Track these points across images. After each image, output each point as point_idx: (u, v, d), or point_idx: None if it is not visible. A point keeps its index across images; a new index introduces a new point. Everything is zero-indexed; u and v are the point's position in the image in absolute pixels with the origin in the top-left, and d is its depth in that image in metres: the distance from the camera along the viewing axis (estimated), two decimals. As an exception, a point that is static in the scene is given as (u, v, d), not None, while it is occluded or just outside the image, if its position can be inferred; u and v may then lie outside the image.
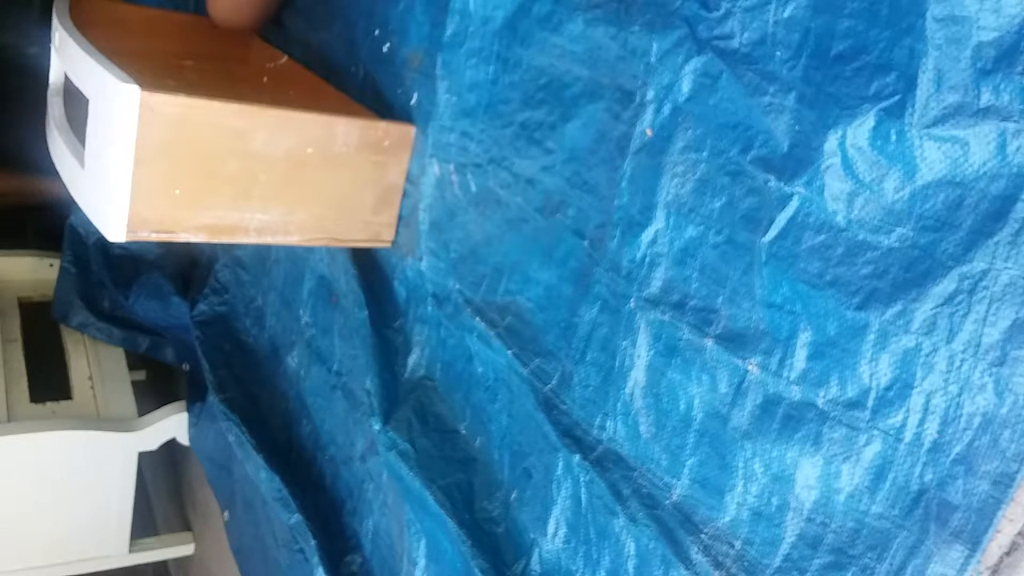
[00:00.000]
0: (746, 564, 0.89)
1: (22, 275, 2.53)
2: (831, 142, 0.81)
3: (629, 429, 1.03)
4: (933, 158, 0.74)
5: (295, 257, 1.75)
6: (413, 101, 1.38)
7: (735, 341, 0.91)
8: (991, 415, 0.71)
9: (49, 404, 2.11)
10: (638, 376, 1.02)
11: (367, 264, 1.53)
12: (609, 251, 1.05)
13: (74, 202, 1.31)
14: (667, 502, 0.98)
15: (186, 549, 2.45)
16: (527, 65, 1.16)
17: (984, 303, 0.72)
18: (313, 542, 1.55)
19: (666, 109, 0.97)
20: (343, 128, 1.30)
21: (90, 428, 2.01)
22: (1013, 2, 0.68)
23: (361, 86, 1.53)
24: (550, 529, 1.13)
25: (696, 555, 0.94)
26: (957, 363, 0.73)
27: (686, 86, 0.95)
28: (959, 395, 0.73)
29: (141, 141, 1.11)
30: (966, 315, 0.73)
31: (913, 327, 0.76)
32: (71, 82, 1.29)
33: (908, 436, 0.77)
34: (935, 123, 0.74)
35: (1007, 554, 0.71)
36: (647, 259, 1.00)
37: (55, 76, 1.45)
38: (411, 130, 1.38)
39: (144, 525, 2.51)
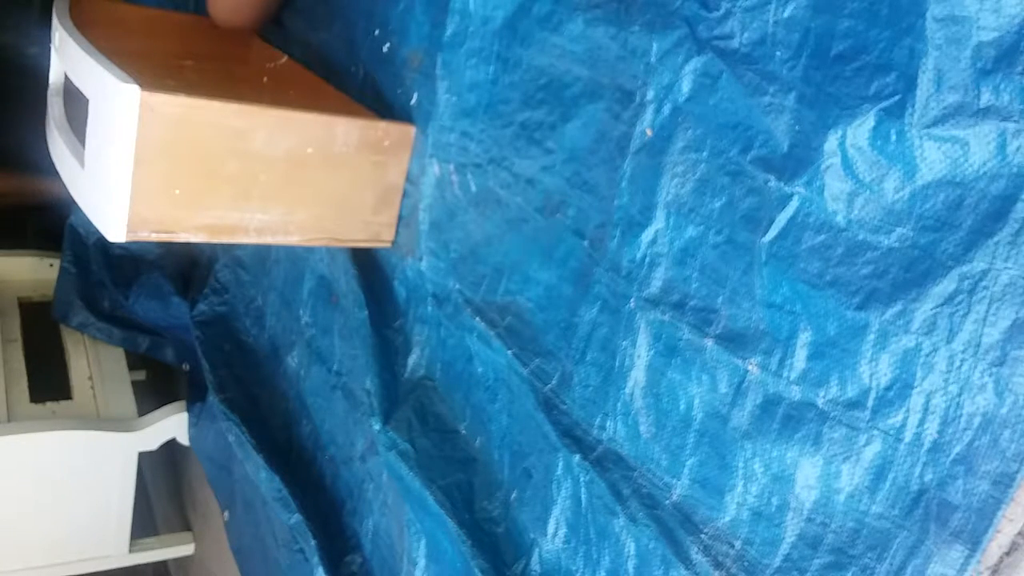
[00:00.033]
0: (746, 564, 0.89)
1: (22, 275, 2.53)
2: (831, 142, 0.81)
3: (629, 429, 1.03)
4: (933, 158, 0.74)
5: (295, 257, 1.75)
6: (413, 101, 1.38)
7: (735, 341, 0.91)
8: (991, 415, 0.71)
9: (49, 404, 2.11)
10: (638, 376, 1.02)
11: (367, 264, 1.53)
12: (609, 251, 1.05)
13: (74, 202, 1.31)
14: (667, 502, 0.98)
15: (186, 549, 2.45)
16: (527, 65, 1.16)
17: (984, 303, 0.72)
18: (313, 542, 1.55)
19: (666, 109, 0.97)
20: (343, 128, 1.30)
21: (90, 428, 2.01)
22: (1013, 2, 0.68)
23: (361, 86, 1.53)
24: (550, 529, 1.13)
25: (696, 555, 0.94)
26: (957, 363, 0.73)
27: (686, 86, 0.95)
28: (959, 395, 0.73)
29: (141, 141, 1.11)
30: (966, 315, 0.73)
31: (913, 327, 0.76)
32: (71, 82, 1.29)
33: (908, 436, 0.77)
34: (935, 123, 0.74)
35: (1007, 554, 0.71)
36: (647, 259, 1.00)
37: (55, 76, 1.45)
38: (411, 130, 1.38)
39: (144, 525, 2.51)
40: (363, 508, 1.54)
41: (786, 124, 0.85)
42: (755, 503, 0.89)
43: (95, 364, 2.27)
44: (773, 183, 0.86)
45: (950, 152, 0.73)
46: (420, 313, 1.41)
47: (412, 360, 1.42)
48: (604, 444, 1.07)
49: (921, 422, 0.76)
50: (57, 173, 1.33)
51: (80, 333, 2.32)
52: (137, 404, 2.19)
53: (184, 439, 2.17)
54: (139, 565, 2.40)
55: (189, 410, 2.15)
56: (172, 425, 2.14)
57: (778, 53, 0.85)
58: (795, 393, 0.85)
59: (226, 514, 2.03)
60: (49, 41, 1.42)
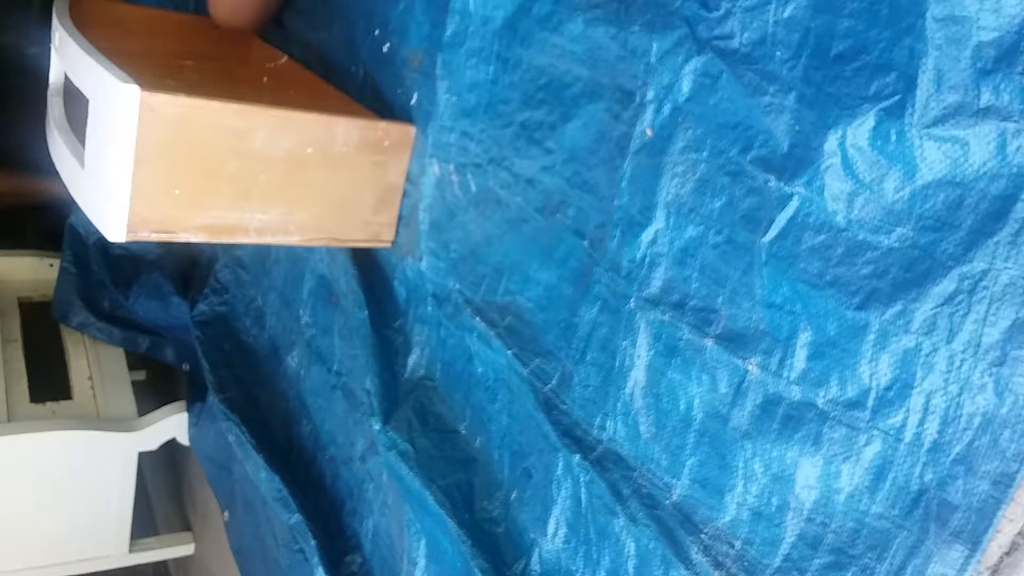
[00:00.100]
0: (746, 564, 0.89)
1: (22, 275, 2.53)
2: (831, 142, 0.81)
3: (629, 429, 1.03)
4: (933, 158, 0.74)
5: (295, 257, 1.75)
6: (413, 101, 1.38)
7: (735, 341, 0.91)
8: (991, 415, 0.71)
9: (49, 404, 2.11)
10: (638, 376, 1.02)
11: (367, 264, 1.53)
12: (609, 251, 1.05)
13: (74, 202, 1.31)
14: (667, 502, 0.98)
15: (186, 549, 2.45)
16: (527, 65, 1.16)
17: (984, 303, 0.72)
18: (313, 542, 1.55)
19: (666, 109, 0.97)
20: (343, 128, 1.30)
21: (90, 428, 2.01)
22: (1013, 2, 0.68)
23: (361, 86, 1.53)
24: (550, 529, 1.13)
25: (696, 555, 0.94)
26: (957, 363, 0.73)
27: (686, 86, 0.95)
28: (959, 395, 0.73)
29: (141, 141, 1.11)
30: (966, 315, 0.73)
31: (913, 327, 0.76)
32: (71, 82, 1.29)
33: (908, 436, 0.77)
34: (935, 123, 0.74)
35: (1007, 554, 0.71)
36: (647, 259, 1.00)
37: (55, 76, 1.45)
38: (411, 130, 1.38)
39: (144, 525, 2.51)
40: (363, 508, 1.54)
41: (786, 124, 0.85)
42: (755, 503, 0.89)
43: (95, 364, 2.27)
44: (773, 183, 0.86)
45: (950, 152, 0.73)
46: (420, 313, 1.41)
47: (412, 360, 1.42)
48: (604, 444, 1.07)
49: (921, 422, 0.76)
50: (57, 173, 1.33)
51: (80, 333, 2.32)
52: (137, 404, 2.19)
53: (184, 439, 2.17)
54: (139, 565, 2.40)
55: (189, 410, 2.15)
56: (172, 425, 2.14)
57: (778, 53, 0.85)
58: (795, 393, 0.85)
59: (226, 514, 2.03)
60: (49, 41, 1.42)
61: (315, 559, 1.54)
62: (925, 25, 0.73)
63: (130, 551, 2.27)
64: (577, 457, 1.08)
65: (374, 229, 1.42)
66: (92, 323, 2.29)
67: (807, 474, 0.84)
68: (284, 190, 1.28)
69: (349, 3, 1.56)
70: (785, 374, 0.86)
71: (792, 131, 0.85)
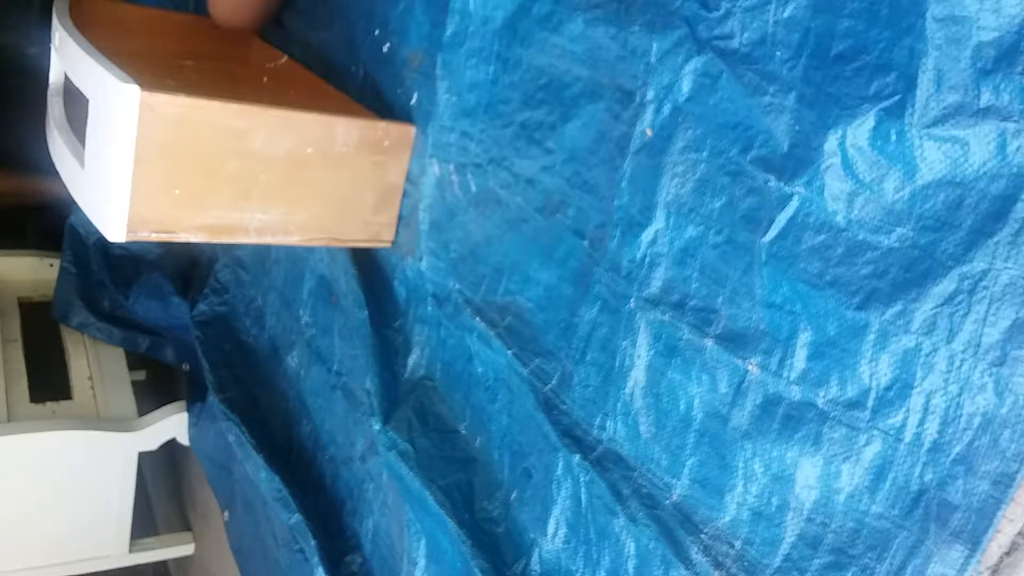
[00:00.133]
0: (746, 564, 0.89)
1: (22, 275, 2.53)
2: (831, 142, 0.81)
3: (629, 429, 1.03)
4: (933, 158, 0.74)
5: (295, 257, 1.75)
6: (413, 101, 1.38)
7: (735, 341, 0.91)
8: (991, 415, 0.71)
9: (49, 404, 2.11)
10: (638, 376, 1.02)
11: (367, 264, 1.53)
12: (609, 251, 1.05)
13: (74, 202, 1.31)
14: (667, 502, 0.98)
15: (186, 549, 2.45)
16: (527, 65, 1.16)
17: (984, 303, 0.72)
18: (313, 542, 1.55)
19: (666, 109, 0.97)
20: (343, 128, 1.30)
21: (90, 428, 2.01)
22: (1013, 2, 0.68)
23: (361, 86, 1.53)
24: (550, 529, 1.13)
25: (696, 555, 0.94)
26: (957, 363, 0.73)
27: (686, 86, 0.95)
28: (959, 395, 0.73)
29: (141, 141, 1.11)
30: (966, 315, 0.73)
31: (913, 327, 0.76)
32: (71, 82, 1.29)
33: (908, 436, 0.77)
34: (935, 123, 0.74)
35: (1007, 554, 0.71)
36: (647, 259, 1.00)
37: (55, 76, 1.45)
38: (411, 130, 1.38)
39: (144, 525, 2.51)
40: (363, 508, 1.54)
41: (786, 124, 0.85)
42: (755, 503, 0.89)
43: (95, 364, 2.27)
44: (773, 183, 0.86)
45: (950, 152, 0.73)
46: (420, 313, 1.41)
47: (412, 360, 1.42)
48: (604, 444, 1.07)
49: (921, 422, 0.76)
50: (57, 173, 1.33)
51: (80, 333, 2.32)
52: (137, 404, 2.19)
53: (184, 439, 2.17)
54: (139, 565, 2.40)
55: (189, 410, 2.15)
56: (172, 425, 2.14)
57: (778, 53, 0.85)
58: (795, 393, 0.85)
59: (226, 514, 2.03)
60: (49, 41, 1.42)
61: (315, 559, 1.54)
62: (925, 25, 0.73)
63: (130, 551, 2.27)
64: (577, 457, 1.08)
65: (374, 229, 1.42)
66: (92, 323, 2.29)
67: (807, 474, 0.84)
68: (284, 190, 1.28)
69: (349, 3, 1.56)
70: (785, 374, 0.86)
71: (792, 131, 0.85)
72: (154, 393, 2.45)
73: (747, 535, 0.89)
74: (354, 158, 1.33)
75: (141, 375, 2.63)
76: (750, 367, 0.89)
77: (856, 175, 0.80)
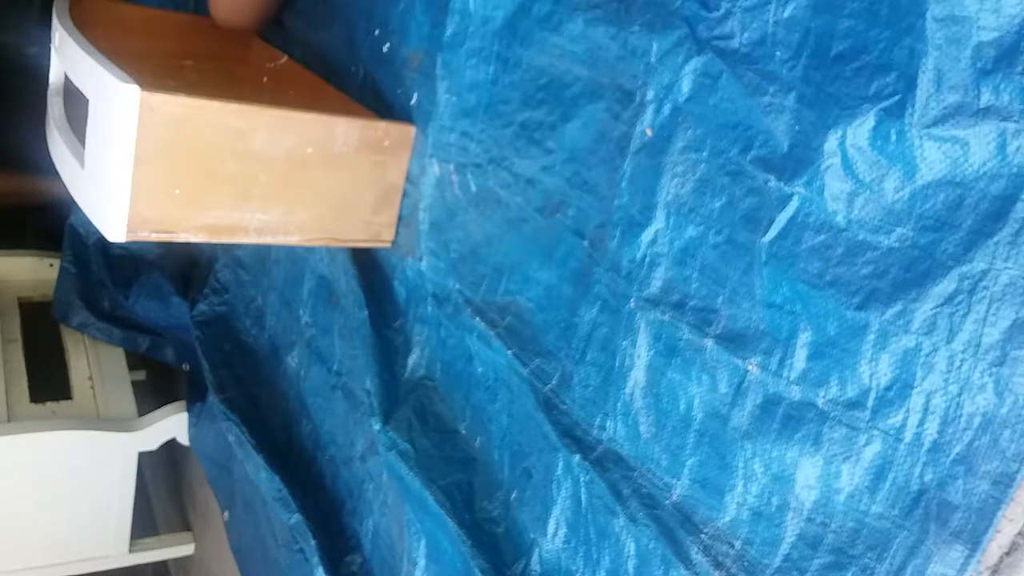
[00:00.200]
0: (746, 564, 0.89)
1: (22, 275, 2.53)
2: (831, 142, 0.81)
3: (629, 429, 1.03)
4: (933, 158, 0.74)
5: (295, 257, 1.75)
6: (413, 101, 1.38)
7: (735, 341, 0.91)
8: (991, 415, 0.71)
9: (49, 404, 2.11)
10: (638, 376, 1.02)
11: (367, 264, 1.53)
12: (609, 251, 1.05)
13: (74, 202, 1.31)
14: (667, 502, 0.98)
15: (186, 549, 2.45)
16: (527, 65, 1.16)
17: (984, 303, 0.72)
18: (313, 542, 1.55)
19: (666, 109, 0.97)
20: (343, 128, 1.30)
21: (90, 428, 2.01)
22: (1013, 2, 0.68)
23: (361, 86, 1.53)
24: (550, 529, 1.13)
25: (696, 555, 0.94)
26: (957, 363, 0.73)
27: (686, 86, 0.95)
28: (959, 395, 0.73)
29: (141, 141, 1.11)
30: (966, 315, 0.73)
31: (913, 327, 0.76)
32: (71, 82, 1.29)
33: (908, 436, 0.77)
34: (935, 123, 0.74)
35: (1007, 554, 0.71)
36: (647, 259, 1.00)
37: (55, 76, 1.45)
38: (411, 130, 1.38)
39: (144, 525, 2.51)
40: (363, 508, 1.54)
41: (786, 124, 0.85)
42: (755, 503, 0.89)
43: (95, 364, 2.27)
44: (773, 183, 0.86)
45: (950, 152, 0.73)
46: (420, 313, 1.41)
47: (412, 360, 1.42)
48: (604, 444, 1.07)
49: (921, 422, 0.76)
50: (57, 173, 1.33)
51: (80, 333, 2.32)
52: (137, 404, 2.19)
53: (184, 439, 2.17)
54: (139, 565, 2.40)
55: (189, 410, 2.15)
56: (172, 425, 2.14)
57: (778, 53, 0.85)
58: (795, 393, 0.85)
59: (226, 514, 2.03)
60: (49, 41, 1.42)
61: (315, 559, 1.54)
62: (925, 25, 0.73)
63: (130, 551, 2.27)
64: (577, 457, 1.08)
65: (374, 229, 1.42)
66: (92, 323, 2.29)
67: (807, 474, 0.84)
68: (284, 190, 1.28)
69: (349, 3, 1.56)
70: (785, 374, 0.86)
71: (792, 131, 0.85)
72: (154, 393, 2.45)
73: (747, 535, 0.89)
74: (354, 158, 1.33)
75: (141, 375, 2.63)
76: (750, 367, 0.89)
77: (856, 175, 0.80)
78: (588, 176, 1.08)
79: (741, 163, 0.89)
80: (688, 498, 0.96)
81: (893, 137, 0.77)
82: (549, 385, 1.14)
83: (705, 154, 0.93)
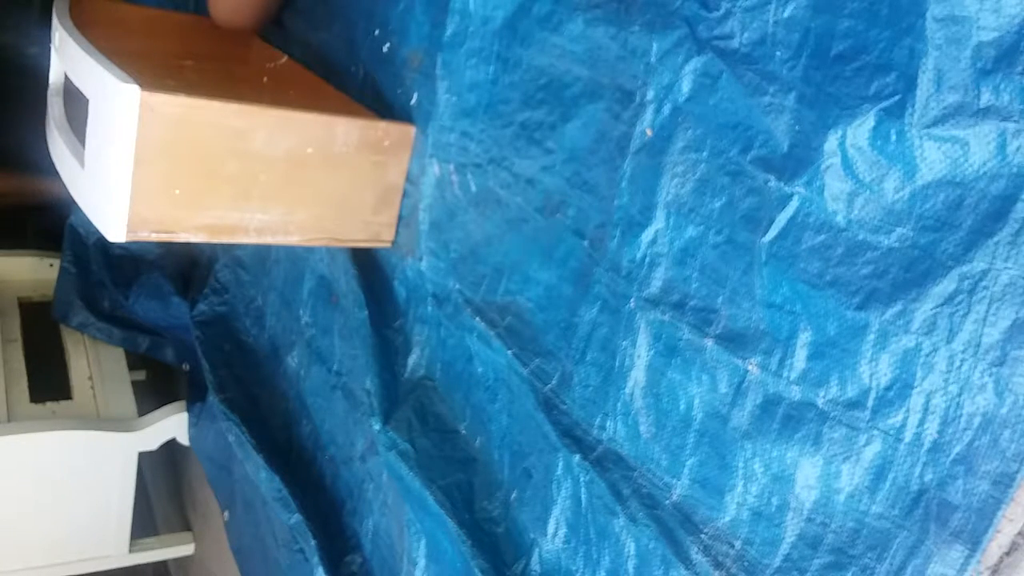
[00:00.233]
0: (746, 564, 0.89)
1: (22, 275, 2.53)
2: (831, 142, 0.81)
3: (629, 429, 1.03)
4: (933, 158, 0.74)
5: (295, 257, 1.75)
6: (413, 101, 1.38)
7: (735, 341, 0.91)
8: (991, 415, 0.71)
9: (49, 404, 2.11)
10: (638, 376, 1.02)
11: (367, 264, 1.53)
12: (609, 251, 1.05)
13: (74, 202, 1.32)
14: (667, 502, 0.98)
15: (186, 549, 2.45)
16: (527, 65, 1.16)
17: (984, 303, 0.72)
18: (313, 542, 1.55)
19: (666, 109, 0.97)
20: (343, 128, 1.30)
21: (90, 428, 2.01)
22: (1013, 2, 0.68)
23: (361, 86, 1.53)
24: (550, 529, 1.13)
25: (696, 555, 0.94)
26: (957, 363, 0.73)
27: (686, 86, 0.95)
28: (959, 395, 0.73)
29: (141, 141, 1.11)
30: (966, 315, 0.73)
31: (913, 327, 0.76)
32: (71, 82, 1.29)
33: (908, 436, 0.77)
34: (935, 123, 0.74)
35: (1007, 554, 0.71)
36: (647, 259, 1.00)
37: (55, 76, 1.45)
38: (411, 130, 1.38)
39: (144, 525, 2.51)
40: (363, 508, 1.54)
41: (786, 124, 0.85)
42: (755, 503, 0.89)
43: (95, 364, 2.27)
44: (773, 183, 0.86)
45: (950, 152, 0.73)
46: (420, 313, 1.41)
47: (412, 360, 1.42)
48: (604, 444, 1.07)
49: (921, 422, 0.76)
50: (57, 173, 1.33)
51: (80, 333, 2.32)
52: (137, 404, 2.19)
53: (184, 439, 2.17)
54: (139, 565, 2.40)
55: (189, 410, 2.15)
56: (172, 425, 2.14)
57: (778, 53, 0.85)
58: (795, 393, 0.85)
59: (226, 514, 2.03)
60: (49, 41, 1.42)
61: (315, 559, 1.54)
62: (925, 25, 0.73)
63: (130, 551, 2.27)
64: (577, 457, 1.08)
65: (374, 229, 1.42)
66: (92, 323, 2.29)
67: (807, 474, 0.84)
68: (284, 190, 1.28)
69: (349, 3, 1.56)
70: (785, 374, 0.86)
71: (792, 131, 0.85)
72: (154, 393, 2.45)
73: (747, 535, 0.89)
74: (354, 158, 1.33)
75: (141, 375, 2.63)
76: (750, 367, 0.89)
77: (856, 175, 0.80)
78: (588, 176, 1.08)
79: (741, 163, 0.89)
80: (688, 498, 0.96)
81: (893, 137, 0.77)
82: (549, 385, 1.14)
83: (705, 154, 0.93)
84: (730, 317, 0.91)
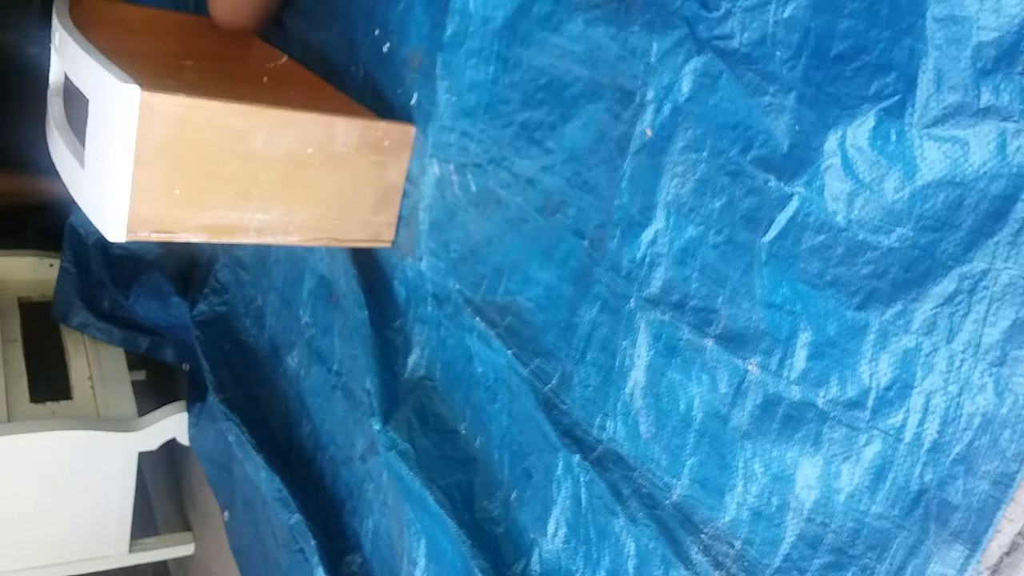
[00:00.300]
0: (746, 564, 0.89)
1: (22, 275, 2.53)
2: (831, 142, 0.81)
3: (629, 429, 1.03)
4: (933, 158, 0.74)
5: (295, 257, 1.75)
6: (413, 101, 1.38)
7: (735, 341, 0.91)
8: (991, 415, 0.71)
9: (49, 404, 2.11)
10: (638, 376, 1.02)
11: (367, 264, 1.53)
12: (609, 251, 1.05)
13: (74, 202, 1.32)
14: (667, 502, 0.98)
15: (186, 549, 2.45)
16: (527, 65, 1.16)
17: (984, 303, 0.72)
18: (313, 542, 1.55)
19: (666, 109, 0.97)
20: (343, 128, 1.30)
21: (90, 428, 2.01)
22: (1013, 2, 0.68)
23: (361, 86, 1.53)
24: (550, 529, 1.13)
25: (696, 555, 0.94)
26: (957, 363, 0.73)
27: (686, 86, 0.95)
28: (959, 395, 0.73)
29: (141, 141, 1.11)
30: (966, 315, 0.73)
31: (913, 327, 0.76)
32: (71, 82, 1.29)
33: (908, 436, 0.77)
34: (935, 123, 0.74)
35: (1007, 554, 0.71)
36: (647, 259, 1.00)
37: (55, 76, 1.45)
38: (411, 130, 1.38)
39: (144, 525, 2.51)
40: (363, 508, 1.54)
41: (786, 124, 0.85)
42: (755, 503, 0.89)
43: (95, 364, 2.27)
44: (773, 183, 0.86)
45: (950, 152, 0.73)
46: (420, 313, 1.41)
47: (412, 360, 1.42)
48: (604, 444, 1.07)
49: (921, 422, 0.76)
50: (57, 173, 1.33)
51: (80, 333, 2.32)
52: (137, 404, 2.19)
53: (184, 439, 2.17)
54: (139, 565, 2.40)
55: (189, 410, 2.15)
56: (172, 425, 2.14)
57: (778, 53, 0.85)
58: (795, 393, 0.85)
59: (226, 514, 2.03)
60: (49, 41, 1.42)
61: (315, 559, 1.54)
62: (925, 25, 0.73)
63: (130, 551, 2.27)
64: (577, 457, 1.08)
65: (374, 229, 1.42)
66: (92, 323, 2.29)
67: (807, 474, 0.84)
68: (284, 190, 1.28)
69: (349, 3, 1.56)
70: (785, 374, 0.86)
71: (792, 131, 0.85)
72: (154, 393, 2.45)
73: (747, 535, 0.89)
74: (354, 158, 1.33)
75: (141, 375, 2.63)
76: (750, 367, 0.89)
77: (856, 175, 0.80)
78: (588, 176, 1.08)
79: (741, 163, 0.89)
80: (688, 498, 0.96)
81: (893, 137, 0.77)
82: (549, 385, 1.14)
83: (705, 154, 0.93)
84: (730, 317, 0.91)
